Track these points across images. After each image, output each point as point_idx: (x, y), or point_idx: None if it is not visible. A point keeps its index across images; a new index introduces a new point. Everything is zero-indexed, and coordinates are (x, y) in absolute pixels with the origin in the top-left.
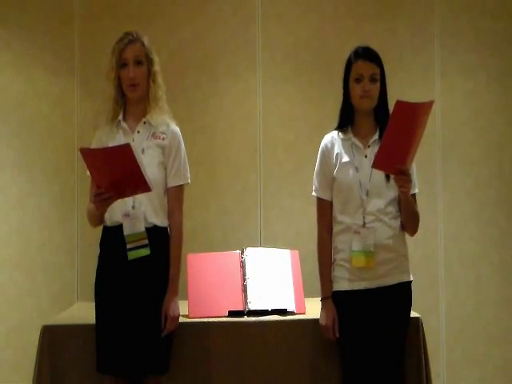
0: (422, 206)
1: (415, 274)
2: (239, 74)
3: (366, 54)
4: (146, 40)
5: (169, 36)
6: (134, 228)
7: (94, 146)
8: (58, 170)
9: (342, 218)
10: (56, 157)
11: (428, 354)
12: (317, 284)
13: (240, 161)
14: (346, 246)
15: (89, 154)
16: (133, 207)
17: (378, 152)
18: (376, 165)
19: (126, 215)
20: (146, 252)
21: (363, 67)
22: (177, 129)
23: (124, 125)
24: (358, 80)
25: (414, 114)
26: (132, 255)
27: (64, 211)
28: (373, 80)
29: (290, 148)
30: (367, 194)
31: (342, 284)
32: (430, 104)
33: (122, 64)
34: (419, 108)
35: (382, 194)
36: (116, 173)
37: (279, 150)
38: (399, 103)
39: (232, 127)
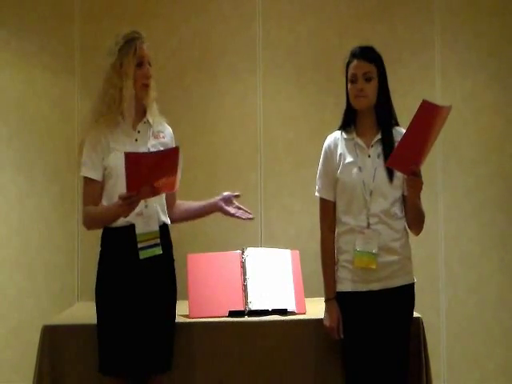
0: (422, 206)
1: (416, 274)
2: (239, 73)
3: (361, 54)
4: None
5: (169, 35)
6: (147, 227)
7: (89, 143)
8: (58, 170)
9: (346, 218)
10: (56, 157)
11: (428, 353)
12: (317, 284)
13: (240, 160)
14: (349, 246)
15: (135, 159)
16: (146, 206)
17: (395, 150)
18: (391, 163)
19: (140, 214)
20: (158, 251)
21: (357, 67)
22: (170, 128)
23: (125, 125)
24: (353, 80)
25: (435, 116)
26: (145, 254)
27: (64, 211)
28: (367, 79)
29: (291, 147)
30: (371, 194)
31: (346, 285)
32: (448, 109)
33: (138, 63)
34: (442, 111)
35: (386, 194)
36: (156, 176)
37: (280, 149)
38: (425, 103)
39: (232, 127)
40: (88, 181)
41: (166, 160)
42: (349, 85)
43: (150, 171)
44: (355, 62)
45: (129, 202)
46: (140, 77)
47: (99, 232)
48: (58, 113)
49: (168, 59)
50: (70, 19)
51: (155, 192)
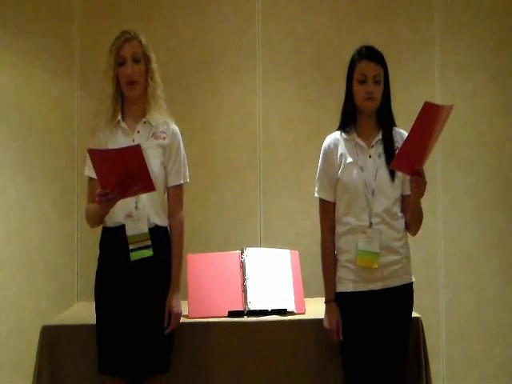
0: (422, 207)
1: (415, 274)
2: (239, 73)
3: (370, 55)
4: (142, 38)
5: (168, 36)
6: (137, 229)
7: (93, 146)
8: (58, 170)
9: (348, 218)
10: (56, 157)
11: (428, 353)
12: (317, 284)
13: (240, 160)
14: (351, 246)
15: (97, 155)
16: (136, 208)
17: (398, 152)
18: (394, 164)
19: (129, 216)
20: (149, 253)
21: (367, 68)
22: (177, 128)
23: (123, 125)
24: (362, 81)
25: (437, 116)
26: (135, 256)
27: (64, 211)
28: (376, 81)
29: (290, 148)
30: (373, 194)
31: (347, 285)
32: (450, 108)
33: (120, 62)
34: (444, 110)
35: (388, 193)
36: (123, 173)
37: (279, 149)
38: (427, 104)
39: (232, 127)
40: (90, 179)
41: (129, 157)
42: (356, 85)
43: (117, 167)
44: (365, 62)
45: (105, 199)
46: (122, 76)
47: (99, 232)
48: (57, 113)
49: (167, 59)
50: (69, 20)
51: (130, 190)
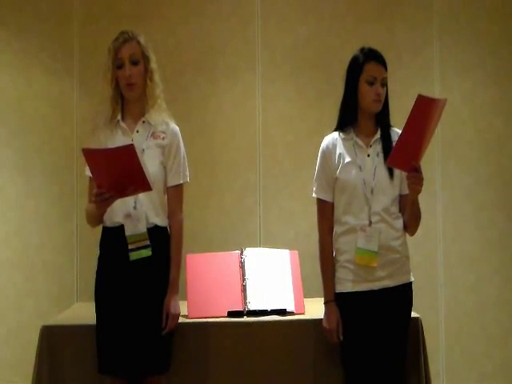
0: (421, 206)
1: (414, 274)
2: (238, 74)
3: (378, 57)
4: (141, 38)
5: (167, 36)
6: (135, 229)
7: (92, 146)
8: (57, 170)
9: (346, 218)
10: (55, 157)
11: (427, 353)
12: (316, 284)
13: (239, 161)
14: (350, 246)
15: (91, 155)
16: (134, 208)
17: (394, 149)
18: (391, 162)
19: (128, 216)
20: (147, 253)
21: (377, 70)
22: (176, 128)
23: (123, 125)
24: (371, 83)
25: (431, 110)
26: (134, 256)
27: (63, 211)
28: (383, 84)
29: (290, 148)
30: (372, 193)
31: (346, 285)
32: (444, 101)
33: (118, 64)
34: (438, 103)
35: (387, 192)
36: (118, 173)
37: (278, 150)
38: (420, 97)
39: (231, 127)
40: (90, 179)
41: (123, 156)
42: (364, 86)
43: (111, 167)
44: (374, 64)
45: (100, 198)
46: (120, 78)
47: (98, 232)
48: (57, 113)
49: (167, 60)
50: (69, 20)
51: (126, 190)
